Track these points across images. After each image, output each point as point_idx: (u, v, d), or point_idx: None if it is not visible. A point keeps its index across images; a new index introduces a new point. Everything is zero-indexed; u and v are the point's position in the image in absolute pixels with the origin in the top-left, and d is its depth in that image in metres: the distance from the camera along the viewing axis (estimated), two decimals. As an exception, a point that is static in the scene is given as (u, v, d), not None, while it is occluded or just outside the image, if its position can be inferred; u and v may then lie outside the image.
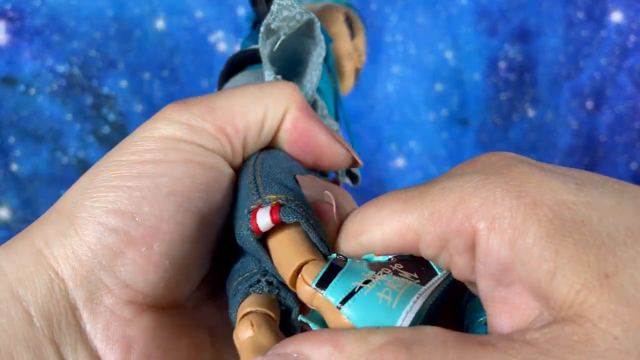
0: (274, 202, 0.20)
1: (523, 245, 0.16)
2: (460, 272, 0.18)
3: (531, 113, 0.77)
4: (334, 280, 0.18)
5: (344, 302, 0.17)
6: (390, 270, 0.19)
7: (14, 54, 0.74)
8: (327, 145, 0.23)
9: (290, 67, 0.27)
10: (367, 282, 0.18)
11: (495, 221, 0.16)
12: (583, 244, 0.15)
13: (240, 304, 0.19)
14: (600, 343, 0.14)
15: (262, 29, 0.24)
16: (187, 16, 0.73)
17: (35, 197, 0.85)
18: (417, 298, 0.18)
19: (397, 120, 0.77)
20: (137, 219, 0.19)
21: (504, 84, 0.77)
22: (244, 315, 0.18)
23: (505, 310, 0.17)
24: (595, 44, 0.76)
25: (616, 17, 0.75)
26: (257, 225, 0.19)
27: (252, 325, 0.17)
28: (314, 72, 0.26)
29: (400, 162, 0.79)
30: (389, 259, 0.19)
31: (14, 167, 0.82)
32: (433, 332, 0.15)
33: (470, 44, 0.75)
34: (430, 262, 0.19)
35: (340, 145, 0.24)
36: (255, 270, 0.20)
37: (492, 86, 0.77)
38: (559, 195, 0.16)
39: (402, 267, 0.19)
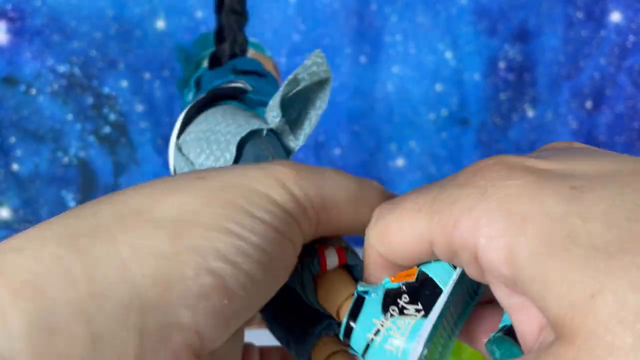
0: (338, 245, 0.22)
1: (516, 264, 0.16)
2: (476, 277, 0.18)
3: (531, 113, 0.78)
4: (354, 331, 0.20)
5: (364, 354, 0.20)
6: (397, 310, 0.20)
7: (14, 54, 0.75)
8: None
9: (289, 113, 0.28)
10: (376, 333, 0.20)
11: (492, 240, 0.16)
12: (570, 262, 0.15)
13: (315, 346, 0.22)
14: None
15: (290, 77, 0.26)
16: (187, 16, 0.74)
17: (36, 197, 0.85)
18: (419, 338, 0.19)
19: (396, 120, 0.78)
20: (236, 270, 0.18)
21: (504, 83, 0.77)
22: (330, 356, 0.21)
23: (527, 316, 0.17)
24: (594, 44, 0.76)
25: (615, 17, 0.75)
26: (325, 262, 0.21)
27: None
28: (309, 121, 0.28)
29: (400, 162, 0.79)
30: (400, 287, 0.20)
31: (15, 167, 0.83)
32: None
33: (470, 44, 0.75)
34: (434, 277, 0.20)
35: None
36: (315, 315, 0.23)
37: (492, 86, 0.77)
38: (550, 209, 0.16)
39: (407, 299, 0.20)
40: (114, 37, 0.75)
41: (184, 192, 0.19)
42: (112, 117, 0.80)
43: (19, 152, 0.81)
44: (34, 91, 0.77)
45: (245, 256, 0.19)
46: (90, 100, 0.79)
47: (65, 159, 0.82)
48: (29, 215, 0.85)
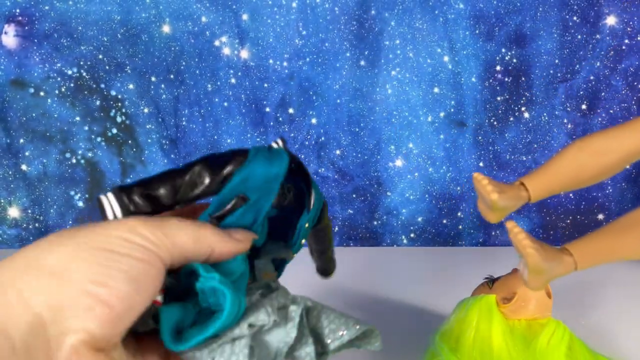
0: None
1: None
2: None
3: (527, 115, 0.78)
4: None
5: None
6: None
7: (23, 58, 0.76)
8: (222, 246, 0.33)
9: None
10: None
11: None
12: None
13: None
14: None
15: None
16: (192, 21, 0.75)
17: (44, 197, 0.86)
18: None
19: (395, 122, 0.78)
20: (107, 290, 0.27)
21: (501, 86, 0.78)
22: None
23: None
24: (590, 47, 0.76)
25: (611, 20, 0.76)
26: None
27: None
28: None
29: (398, 163, 0.80)
30: None
31: (24, 167, 0.84)
32: None
33: (467, 47, 0.76)
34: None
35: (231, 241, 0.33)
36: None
37: (489, 89, 0.78)
38: None
39: None
40: (121, 41, 0.76)
41: (66, 245, 0.28)
42: (119, 119, 0.81)
43: (28, 153, 0.82)
44: (42, 93, 0.78)
45: (113, 279, 0.27)
46: (97, 102, 0.80)
47: (73, 160, 0.83)
48: (38, 214, 0.86)
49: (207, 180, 0.33)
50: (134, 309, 0.28)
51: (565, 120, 0.79)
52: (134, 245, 0.29)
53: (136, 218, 0.31)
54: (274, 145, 0.35)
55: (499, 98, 0.78)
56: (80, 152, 0.82)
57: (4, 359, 0.24)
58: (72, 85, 0.78)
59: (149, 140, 0.80)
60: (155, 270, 0.30)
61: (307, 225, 0.37)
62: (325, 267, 0.44)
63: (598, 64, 0.77)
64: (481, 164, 0.80)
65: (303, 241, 0.38)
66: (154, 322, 0.31)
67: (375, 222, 0.82)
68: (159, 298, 0.31)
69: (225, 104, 0.78)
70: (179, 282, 0.32)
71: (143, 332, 0.33)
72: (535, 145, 0.80)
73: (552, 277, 0.46)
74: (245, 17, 0.74)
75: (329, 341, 0.34)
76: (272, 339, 0.33)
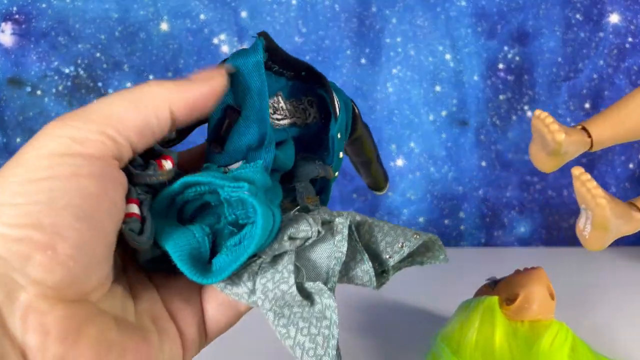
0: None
1: None
2: None
3: (530, 114, 0.78)
4: None
5: None
6: None
7: (20, 56, 0.75)
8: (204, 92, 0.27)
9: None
10: None
11: None
12: None
13: None
14: None
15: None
16: (190, 19, 0.74)
17: (41, 197, 0.85)
18: None
19: (397, 120, 0.78)
20: (39, 229, 0.22)
21: (503, 85, 0.77)
22: None
23: None
24: (593, 45, 0.76)
25: (614, 18, 0.75)
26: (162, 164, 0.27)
27: None
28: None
29: (400, 162, 0.79)
30: None
31: (21, 166, 0.83)
32: None
33: (470, 45, 0.76)
34: None
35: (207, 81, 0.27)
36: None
37: (491, 87, 0.77)
38: None
39: None
40: (119, 39, 0.75)
41: None
42: (117, 117, 0.80)
43: None
44: (39, 92, 0.78)
45: (46, 213, 0.22)
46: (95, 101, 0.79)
47: (71, 159, 0.82)
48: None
49: None
50: (89, 238, 0.23)
51: (568, 119, 0.78)
52: (61, 158, 0.23)
53: (52, 122, 0.24)
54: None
55: (501, 97, 0.77)
56: (77, 151, 0.82)
57: None
58: (69, 83, 0.77)
59: (147, 139, 0.80)
60: (105, 177, 0.24)
61: (339, 135, 0.32)
62: (374, 181, 0.39)
63: (601, 62, 0.77)
64: (483, 163, 0.79)
65: (341, 155, 0.33)
66: (155, 247, 0.26)
67: (376, 222, 0.81)
68: (135, 209, 0.25)
69: (224, 102, 0.77)
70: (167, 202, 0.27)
71: (158, 268, 0.27)
72: (538, 145, 0.79)
73: (617, 236, 0.42)
74: (244, 14, 0.74)
75: (387, 256, 0.29)
76: (319, 256, 0.28)
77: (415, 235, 0.30)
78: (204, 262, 0.27)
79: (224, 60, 0.30)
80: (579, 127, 0.42)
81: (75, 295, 0.23)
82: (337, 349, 0.25)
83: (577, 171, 0.39)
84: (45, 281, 0.22)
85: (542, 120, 0.39)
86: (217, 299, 0.29)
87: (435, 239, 0.31)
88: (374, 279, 0.29)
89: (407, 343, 0.57)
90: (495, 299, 0.50)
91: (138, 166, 0.26)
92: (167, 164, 0.27)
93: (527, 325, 0.49)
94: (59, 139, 0.23)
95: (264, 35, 0.29)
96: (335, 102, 0.32)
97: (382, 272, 0.30)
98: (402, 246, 0.29)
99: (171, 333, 0.28)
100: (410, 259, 0.30)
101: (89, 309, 0.24)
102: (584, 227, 0.41)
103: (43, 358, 0.22)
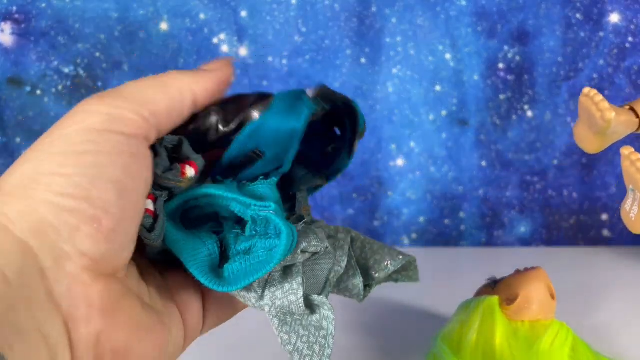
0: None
1: None
2: None
3: (530, 113, 0.78)
4: None
5: None
6: None
7: (19, 56, 0.75)
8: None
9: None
10: None
11: None
12: None
13: None
14: None
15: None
16: (190, 18, 0.74)
17: (40, 196, 0.85)
18: None
19: (396, 120, 0.78)
20: (88, 201, 0.23)
21: (503, 84, 0.77)
22: None
23: None
24: (593, 45, 0.76)
25: (614, 18, 0.75)
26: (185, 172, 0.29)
27: None
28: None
29: (400, 162, 0.80)
30: None
31: (20, 166, 0.83)
32: None
33: (470, 45, 0.76)
34: None
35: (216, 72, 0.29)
36: None
37: (492, 87, 0.77)
38: None
39: None
40: (119, 39, 0.75)
41: (29, 160, 0.24)
42: (116, 117, 0.80)
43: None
44: (39, 92, 0.78)
45: (92, 187, 0.23)
46: (94, 101, 0.80)
47: (70, 159, 0.82)
48: (34, 214, 0.85)
49: (213, 136, 0.29)
50: (127, 216, 0.24)
51: (568, 119, 0.79)
52: (104, 135, 0.23)
53: (89, 100, 0.24)
54: (309, 93, 0.31)
55: (501, 96, 0.77)
56: (77, 151, 0.82)
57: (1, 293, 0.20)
58: (68, 83, 0.77)
59: (147, 139, 0.80)
60: (141, 157, 0.24)
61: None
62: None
63: (602, 62, 0.77)
64: (484, 163, 0.79)
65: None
66: (162, 243, 0.27)
67: (376, 223, 0.81)
68: (150, 206, 0.26)
69: (224, 102, 0.77)
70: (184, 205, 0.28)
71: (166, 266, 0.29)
72: (539, 144, 0.79)
73: None
74: (244, 13, 0.74)
75: (374, 273, 0.32)
76: (321, 268, 0.30)
77: (399, 256, 0.32)
78: (216, 269, 0.28)
79: (268, 96, 0.31)
80: (627, 107, 0.42)
81: (110, 270, 0.24)
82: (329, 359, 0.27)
83: (627, 150, 0.38)
84: (90, 253, 0.23)
85: (591, 98, 0.38)
86: (217, 293, 0.30)
87: (413, 260, 0.34)
88: (362, 292, 0.32)
89: (407, 343, 0.57)
90: (495, 299, 0.50)
91: (161, 165, 0.26)
92: (190, 172, 0.28)
93: (527, 325, 0.49)
94: (98, 115, 0.24)
95: (320, 91, 0.31)
96: (356, 144, 0.34)
97: (366, 285, 0.33)
98: (387, 264, 0.32)
99: (176, 319, 0.29)
100: (388, 276, 0.33)
101: (121, 285, 0.24)
102: (630, 208, 0.40)
103: (86, 329, 0.22)
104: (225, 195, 0.28)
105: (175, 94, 0.26)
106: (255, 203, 0.28)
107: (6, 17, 0.74)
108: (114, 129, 0.24)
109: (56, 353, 0.21)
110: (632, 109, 0.41)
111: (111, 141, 0.24)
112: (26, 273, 0.21)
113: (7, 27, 0.75)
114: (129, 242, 0.25)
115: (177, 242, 0.27)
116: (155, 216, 0.27)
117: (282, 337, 0.27)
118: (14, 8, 0.74)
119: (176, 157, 0.27)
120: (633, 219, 0.41)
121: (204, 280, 0.27)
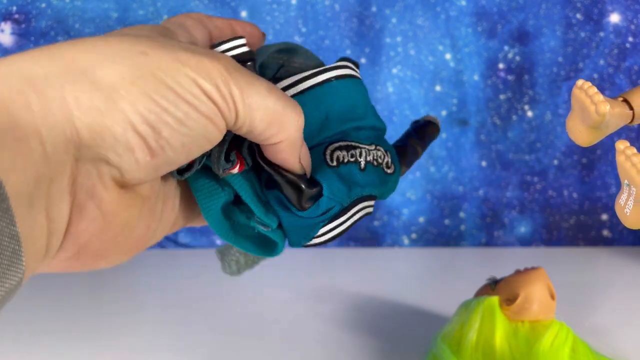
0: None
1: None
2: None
3: (530, 113, 0.78)
4: None
5: None
6: None
7: (20, 56, 0.76)
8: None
9: None
10: None
11: None
12: None
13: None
14: None
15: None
16: (190, 18, 0.74)
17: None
18: None
19: (397, 120, 0.78)
20: (156, 134, 0.24)
21: (503, 84, 0.77)
22: None
23: None
24: (593, 45, 0.76)
25: (614, 18, 0.75)
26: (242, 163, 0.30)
27: None
28: None
29: (400, 162, 0.79)
30: None
31: (20, 166, 0.83)
32: None
33: (470, 45, 0.76)
34: None
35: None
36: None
37: (492, 87, 0.77)
38: None
39: None
40: (118, 39, 0.75)
41: (125, 64, 0.23)
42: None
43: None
44: (39, 92, 0.78)
45: (166, 125, 0.24)
46: (94, 101, 0.79)
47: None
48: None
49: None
50: (174, 164, 0.25)
51: (568, 119, 0.78)
52: (203, 96, 0.24)
53: (223, 62, 0.25)
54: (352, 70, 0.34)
55: (501, 96, 0.77)
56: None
57: (34, 164, 0.21)
58: (69, 83, 0.77)
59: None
60: (214, 134, 0.26)
61: None
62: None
63: (602, 62, 0.77)
64: (484, 163, 0.79)
65: None
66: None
67: (375, 223, 0.81)
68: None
69: (224, 102, 0.77)
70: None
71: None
72: (539, 144, 0.79)
73: None
74: (244, 14, 0.74)
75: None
76: None
77: None
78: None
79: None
80: (620, 99, 0.41)
81: (130, 185, 0.25)
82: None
83: (622, 145, 0.38)
84: (127, 173, 0.24)
85: (585, 91, 0.38)
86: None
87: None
88: None
89: (407, 343, 0.56)
90: (495, 299, 0.50)
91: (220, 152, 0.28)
92: (235, 171, 0.29)
93: (527, 325, 0.49)
94: (212, 81, 0.25)
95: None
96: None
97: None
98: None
99: (164, 225, 0.30)
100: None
101: (134, 194, 0.26)
102: (625, 203, 0.40)
103: (85, 227, 0.24)
104: (254, 209, 0.30)
105: (272, 133, 0.28)
106: (259, 218, 0.30)
107: (6, 17, 0.74)
108: (219, 103, 0.25)
109: (51, 242, 0.22)
110: (626, 101, 0.41)
111: (208, 106, 0.25)
112: (61, 156, 0.22)
113: (7, 27, 0.75)
114: (157, 177, 0.26)
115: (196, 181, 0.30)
116: (190, 164, 0.29)
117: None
118: (14, 8, 0.74)
119: (235, 145, 0.29)
120: (628, 214, 0.41)
121: (288, 242, 0.32)
